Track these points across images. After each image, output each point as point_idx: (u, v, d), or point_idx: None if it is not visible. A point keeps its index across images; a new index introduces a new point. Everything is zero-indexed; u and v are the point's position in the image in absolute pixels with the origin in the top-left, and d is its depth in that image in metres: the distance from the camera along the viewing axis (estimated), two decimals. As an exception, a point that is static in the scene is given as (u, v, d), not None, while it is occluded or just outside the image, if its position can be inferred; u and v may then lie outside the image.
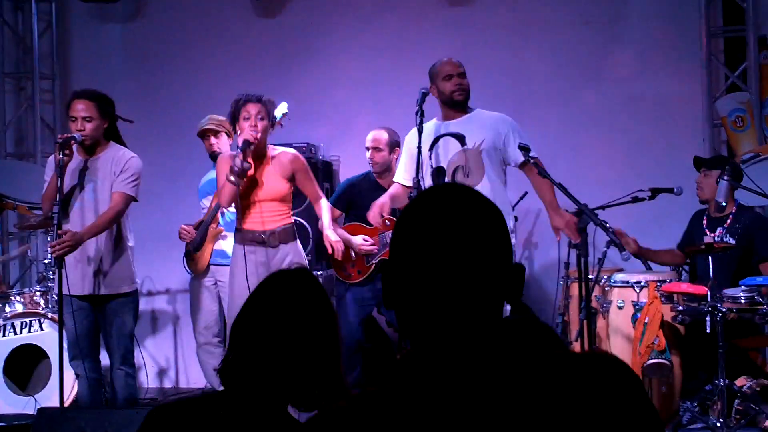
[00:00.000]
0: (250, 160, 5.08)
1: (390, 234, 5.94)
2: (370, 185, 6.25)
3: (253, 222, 5.18)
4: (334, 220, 6.28)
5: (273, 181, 5.19)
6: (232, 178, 5.00)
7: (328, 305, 2.26)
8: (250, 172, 5.11)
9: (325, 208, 5.41)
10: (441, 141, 5.06)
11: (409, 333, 1.45)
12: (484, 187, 5.03)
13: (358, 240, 6.11)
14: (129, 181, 5.17)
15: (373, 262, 6.13)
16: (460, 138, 4.99)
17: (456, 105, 5.18)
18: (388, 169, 6.18)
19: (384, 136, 6.18)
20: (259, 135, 5.06)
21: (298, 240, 5.33)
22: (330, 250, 5.47)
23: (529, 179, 5.31)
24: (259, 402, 2.16)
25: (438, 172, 4.92)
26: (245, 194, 5.16)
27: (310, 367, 2.18)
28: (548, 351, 1.39)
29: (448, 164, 5.05)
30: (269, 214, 5.19)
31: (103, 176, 5.17)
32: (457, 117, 5.22)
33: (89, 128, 5.11)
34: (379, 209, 5.29)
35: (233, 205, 5.24)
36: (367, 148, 6.23)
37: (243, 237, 5.19)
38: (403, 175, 5.40)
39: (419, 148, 4.93)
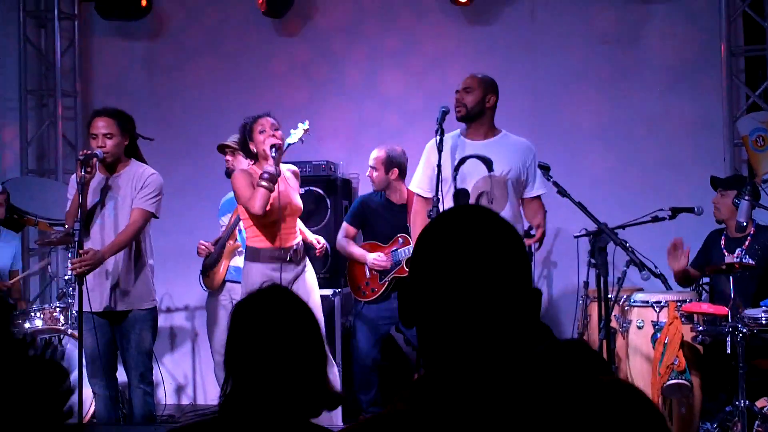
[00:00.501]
0: (279, 168, 5.11)
1: (403, 251, 5.98)
2: (381, 202, 6.28)
3: (279, 239, 5.18)
4: (351, 238, 6.30)
5: (294, 197, 5.26)
6: (264, 183, 5.02)
7: (308, 315, 2.26)
8: (274, 193, 5.13)
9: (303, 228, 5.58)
10: (466, 162, 5.00)
11: (426, 352, 1.45)
12: (506, 214, 5.02)
13: (372, 257, 6.11)
14: (149, 198, 5.19)
15: (387, 279, 6.13)
16: (488, 163, 4.90)
17: (460, 120, 5.14)
18: (388, 187, 6.20)
19: (381, 154, 6.20)
20: (282, 144, 5.13)
21: (307, 258, 5.41)
22: (318, 247, 5.48)
23: (525, 211, 5.29)
24: (277, 420, 2.16)
25: (461, 194, 4.88)
26: (269, 212, 5.14)
27: (301, 377, 2.18)
28: (571, 377, 1.39)
29: (472, 188, 4.98)
30: (291, 230, 5.24)
31: (124, 193, 5.19)
32: (480, 136, 5.16)
33: (110, 145, 5.13)
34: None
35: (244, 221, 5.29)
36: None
37: (266, 255, 5.18)
38: (422, 185, 5.28)
39: (439, 166, 4.90)
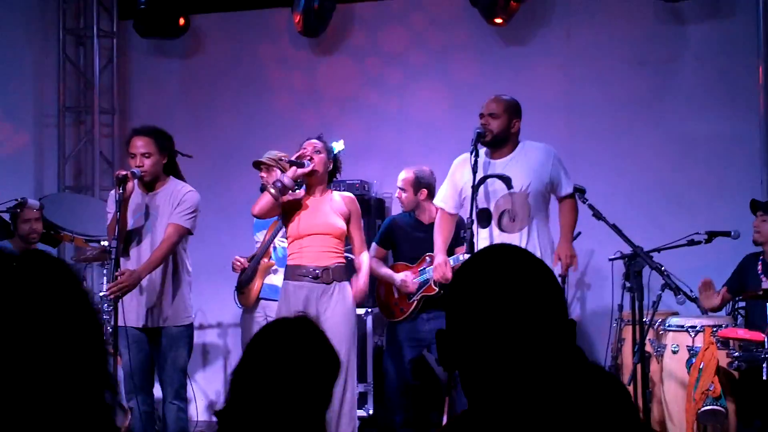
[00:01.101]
0: (298, 181, 5.18)
1: (430, 270, 5.98)
2: (410, 222, 6.28)
3: (307, 257, 5.19)
4: (381, 258, 6.31)
5: (330, 217, 5.24)
6: (272, 190, 5.07)
7: (329, 355, 2.22)
8: (307, 204, 5.15)
9: (365, 264, 5.44)
10: (487, 180, 5.02)
11: (470, 392, 1.46)
12: (530, 231, 5.03)
13: (400, 277, 6.11)
14: (184, 214, 5.21)
15: (415, 299, 6.13)
16: (507, 181, 4.94)
17: (485, 145, 5.12)
18: (417, 207, 6.21)
19: (409, 176, 6.21)
20: (314, 160, 5.16)
21: (348, 282, 5.33)
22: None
23: (559, 208, 5.27)
24: None
25: (483, 214, 4.89)
26: (302, 227, 5.20)
27: (300, 415, 2.14)
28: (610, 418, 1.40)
29: (494, 207, 5.00)
30: (324, 249, 5.21)
31: (162, 212, 5.23)
32: (501, 154, 5.15)
33: (148, 164, 5.17)
34: (444, 264, 5.28)
35: (287, 239, 5.29)
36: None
37: (294, 272, 5.21)
38: (446, 201, 5.35)
39: (474, 187, 4.91)
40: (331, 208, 5.27)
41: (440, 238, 5.38)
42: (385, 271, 6.26)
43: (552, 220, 5.26)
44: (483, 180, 4.94)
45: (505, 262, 1.49)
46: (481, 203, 4.92)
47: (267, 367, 2.16)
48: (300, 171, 5.17)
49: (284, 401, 2.13)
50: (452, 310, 1.50)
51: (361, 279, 5.39)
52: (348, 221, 5.30)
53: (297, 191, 5.30)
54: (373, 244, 6.39)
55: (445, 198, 5.34)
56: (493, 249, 1.55)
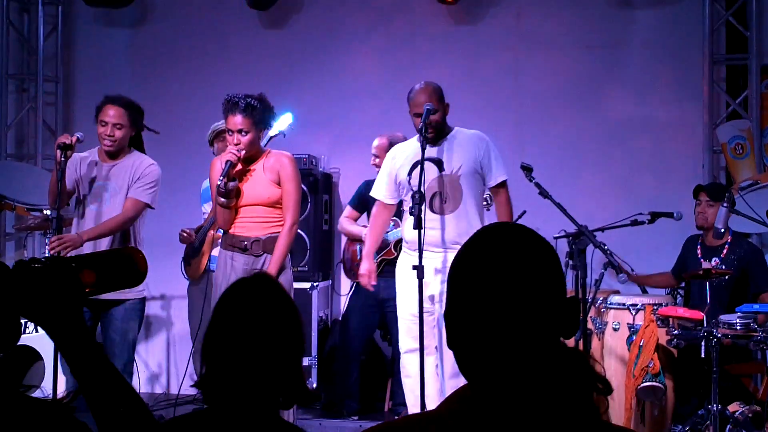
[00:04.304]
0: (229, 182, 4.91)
1: (392, 234, 6.00)
2: None
3: (239, 227, 5.01)
4: (354, 220, 6.33)
5: (260, 185, 4.99)
6: (221, 199, 4.91)
7: (291, 307, 2.27)
8: (244, 174, 5.00)
9: (282, 239, 4.93)
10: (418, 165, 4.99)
11: (469, 372, 1.47)
12: (460, 214, 5.06)
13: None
14: (145, 188, 5.14)
15: (375, 261, 6.17)
16: (438, 164, 5.00)
17: (430, 142, 5.06)
18: None
19: (383, 141, 6.24)
20: (242, 153, 4.90)
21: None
22: None
23: (494, 202, 5.32)
24: (248, 410, 2.16)
25: (415, 196, 4.89)
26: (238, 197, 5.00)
27: (280, 369, 2.18)
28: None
29: (427, 189, 4.98)
30: (257, 220, 5.00)
31: (121, 183, 5.13)
32: (436, 140, 5.12)
33: (118, 135, 5.11)
34: (368, 276, 5.23)
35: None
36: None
37: (226, 242, 5.07)
38: (383, 193, 5.32)
39: (422, 163, 4.91)
40: (264, 174, 5.01)
41: (371, 239, 5.36)
42: (355, 228, 6.31)
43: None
44: (415, 165, 4.95)
45: (508, 241, 1.48)
46: (415, 187, 4.91)
47: (238, 327, 2.18)
48: (232, 172, 4.91)
49: (262, 356, 2.16)
50: (454, 289, 1.49)
51: (274, 257, 4.91)
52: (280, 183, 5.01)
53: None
54: (347, 207, 6.48)
55: (380, 188, 5.33)
56: (496, 227, 1.53)
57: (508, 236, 1.49)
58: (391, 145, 6.14)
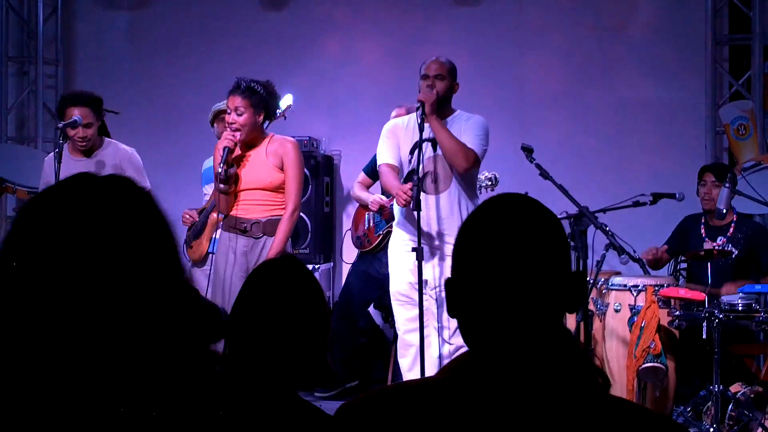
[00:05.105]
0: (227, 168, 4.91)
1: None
2: None
3: (240, 209, 4.99)
4: (367, 188, 6.29)
5: (262, 170, 4.98)
6: (221, 186, 4.91)
7: (317, 289, 2.29)
8: (245, 158, 4.99)
9: (283, 224, 4.92)
10: (422, 145, 4.94)
11: (472, 342, 1.47)
12: (450, 194, 5.03)
13: (372, 197, 6.10)
14: (143, 179, 5.22)
15: (381, 232, 6.20)
16: (434, 143, 4.96)
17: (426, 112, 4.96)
18: None
19: (401, 112, 6.17)
20: (237, 136, 4.88)
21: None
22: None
23: None
24: (270, 391, 2.17)
25: (410, 174, 4.87)
26: (239, 181, 5.00)
27: (305, 350, 2.20)
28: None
29: (421, 168, 4.94)
30: (257, 203, 4.99)
31: (111, 172, 5.12)
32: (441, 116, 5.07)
33: (90, 133, 5.17)
34: (402, 190, 4.89)
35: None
36: None
37: (227, 224, 5.05)
38: (391, 156, 5.13)
39: (420, 143, 4.88)
40: (267, 158, 4.99)
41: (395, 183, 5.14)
42: (366, 194, 6.29)
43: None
44: (416, 146, 4.91)
45: (515, 210, 1.48)
46: (414, 165, 4.89)
47: (266, 308, 2.21)
48: (230, 158, 4.91)
49: (288, 337, 2.18)
50: (458, 257, 1.48)
51: (274, 243, 4.91)
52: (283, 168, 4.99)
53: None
54: (361, 173, 6.40)
55: (385, 154, 5.16)
56: (503, 197, 1.52)
57: (515, 205, 1.49)
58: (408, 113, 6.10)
